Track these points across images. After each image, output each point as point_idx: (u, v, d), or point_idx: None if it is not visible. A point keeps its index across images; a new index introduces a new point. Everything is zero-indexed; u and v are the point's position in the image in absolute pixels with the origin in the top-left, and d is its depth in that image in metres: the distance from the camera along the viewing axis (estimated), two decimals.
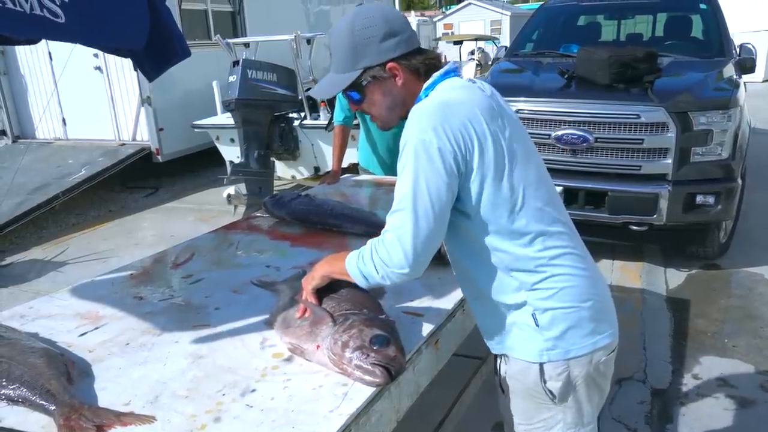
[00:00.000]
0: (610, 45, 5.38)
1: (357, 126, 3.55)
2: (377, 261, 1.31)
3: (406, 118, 1.35)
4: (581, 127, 3.91)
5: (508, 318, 1.40)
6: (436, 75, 1.38)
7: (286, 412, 1.25)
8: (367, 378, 1.29)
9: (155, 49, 1.92)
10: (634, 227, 3.98)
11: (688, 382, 2.94)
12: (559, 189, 2.89)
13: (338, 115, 3.38)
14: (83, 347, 1.58)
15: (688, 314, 3.63)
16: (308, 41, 6.16)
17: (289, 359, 1.47)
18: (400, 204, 1.27)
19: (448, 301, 1.76)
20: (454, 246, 1.44)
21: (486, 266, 1.36)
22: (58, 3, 1.56)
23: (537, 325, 1.35)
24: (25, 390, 1.30)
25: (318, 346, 1.38)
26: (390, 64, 1.36)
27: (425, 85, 1.37)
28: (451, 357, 1.94)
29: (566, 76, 4.18)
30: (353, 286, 1.52)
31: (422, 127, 1.25)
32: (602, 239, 4.31)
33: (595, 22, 5.99)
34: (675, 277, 4.12)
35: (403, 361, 1.33)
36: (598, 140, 3.89)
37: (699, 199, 3.86)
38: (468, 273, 1.44)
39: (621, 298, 3.79)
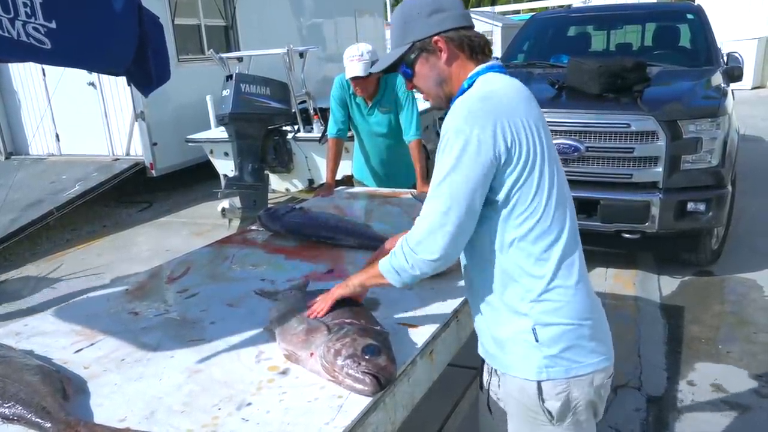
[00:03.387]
0: (599, 55, 5.45)
1: (351, 138, 3.57)
2: (407, 250, 1.34)
3: (450, 100, 1.40)
4: (572, 137, 3.95)
5: (508, 331, 1.38)
6: (481, 66, 1.38)
7: (281, 424, 1.26)
8: (357, 386, 1.30)
9: (145, 69, 1.95)
10: (627, 235, 4.01)
11: (684, 389, 2.96)
12: None
13: (332, 128, 3.41)
14: (79, 364, 1.58)
15: (683, 321, 3.65)
16: (301, 55, 6.20)
17: (284, 372, 1.47)
18: (434, 192, 1.30)
19: (443, 312, 1.77)
20: (471, 255, 1.43)
21: (496, 268, 1.36)
22: (43, 32, 1.60)
23: (537, 341, 1.33)
24: (20, 408, 1.31)
25: (312, 354, 1.40)
26: (435, 38, 1.37)
27: (469, 74, 1.38)
28: (447, 367, 1.96)
29: (556, 86, 4.22)
30: (351, 300, 1.55)
31: (463, 117, 1.27)
32: (595, 247, 4.34)
33: (585, 33, 6.07)
34: (668, 284, 4.15)
35: (394, 370, 1.34)
36: (589, 149, 3.92)
37: (690, 206, 3.90)
38: (476, 276, 1.43)
39: (615, 306, 3.81)
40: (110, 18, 1.82)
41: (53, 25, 1.67)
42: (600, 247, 4.26)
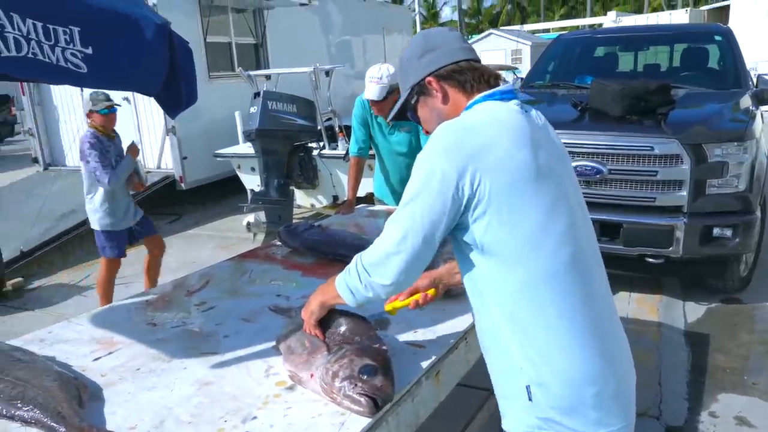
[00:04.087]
0: (625, 77, 5.42)
1: (373, 156, 3.62)
2: (360, 270, 1.29)
3: None
4: (595, 159, 3.93)
5: (504, 382, 1.30)
6: (480, 95, 1.30)
7: None
8: (354, 407, 1.32)
9: (173, 92, 2.04)
10: (651, 260, 3.94)
11: (705, 420, 2.88)
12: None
13: (353, 147, 3.46)
14: (96, 372, 1.64)
15: (707, 349, 3.57)
16: (327, 73, 6.31)
17: (291, 388, 1.51)
18: (396, 216, 1.25)
19: (451, 334, 1.79)
20: (469, 289, 1.34)
21: (490, 312, 1.27)
22: (80, 57, 1.69)
23: (530, 400, 1.23)
24: (38, 412, 1.36)
25: (312, 375, 1.42)
26: (428, 79, 1.33)
27: (467, 104, 1.31)
28: (459, 388, 1.96)
29: (579, 107, 4.21)
30: (353, 316, 1.56)
31: (435, 146, 1.22)
32: (619, 271, 4.28)
33: (612, 53, 6.05)
34: (694, 311, 4.06)
35: (391, 391, 1.36)
36: (612, 172, 3.89)
37: (716, 231, 3.83)
38: (477, 317, 1.35)
39: (637, 332, 3.74)
40: (142, 45, 1.91)
41: (89, 51, 1.77)
42: (623, 270, 4.21)
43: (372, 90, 3.07)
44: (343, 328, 1.53)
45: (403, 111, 1.44)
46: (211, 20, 7.75)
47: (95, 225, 4.08)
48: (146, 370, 1.65)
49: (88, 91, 7.39)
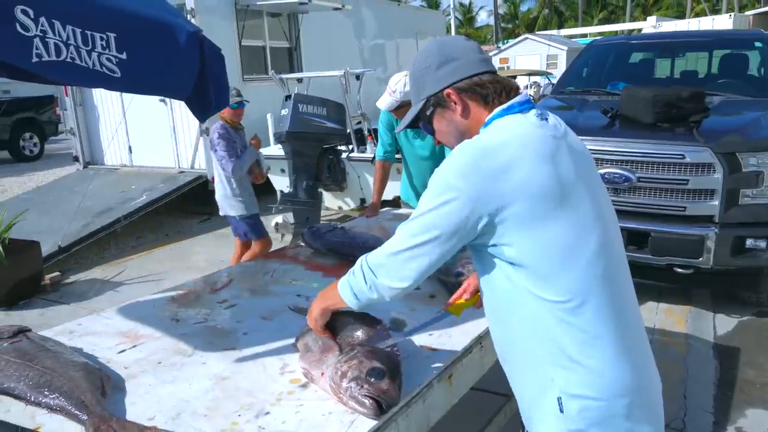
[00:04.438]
0: (658, 84, 5.31)
1: (400, 160, 3.64)
2: (366, 270, 1.30)
3: None
4: (623, 166, 3.87)
5: (532, 394, 1.28)
6: (498, 109, 1.28)
7: None
8: (358, 408, 1.35)
9: (202, 97, 2.10)
10: (679, 270, 3.87)
11: None
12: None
13: (379, 151, 3.50)
14: (120, 364, 1.71)
15: (737, 363, 3.48)
16: (357, 77, 6.37)
17: (304, 386, 1.54)
18: (410, 225, 1.24)
19: (466, 337, 1.80)
20: (489, 300, 1.32)
21: (521, 327, 1.25)
22: (114, 62, 1.77)
23: (561, 412, 1.21)
24: (63, 400, 1.43)
25: (323, 374, 1.45)
26: (447, 91, 1.31)
27: (486, 118, 1.29)
28: (475, 392, 1.97)
29: (609, 114, 4.16)
30: (367, 318, 1.59)
31: (452, 166, 1.20)
32: (647, 281, 4.21)
33: (648, 60, 5.94)
34: (724, 324, 3.97)
35: (396, 395, 1.37)
36: (641, 180, 3.83)
37: (749, 243, 3.73)
38: (497, 327, 1.34)
39: (663, 343, 3.68)
40: (174, 51, 1.98)
41: (124, 56, 1.85)
42: (652, 280, 4.13)
43: (383, 100, 3.14)
44: (356, 330, 1.56)
45: (415, 122, 1.42)
46: (247, 24, 7.91)
47: (236, 212, 4.38)
48: (167, 363, 1.70)
49: None
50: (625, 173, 3.85)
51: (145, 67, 1.90)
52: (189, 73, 2.02)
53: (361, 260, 1.34)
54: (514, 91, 1.32)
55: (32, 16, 1.67)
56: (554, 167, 1.19)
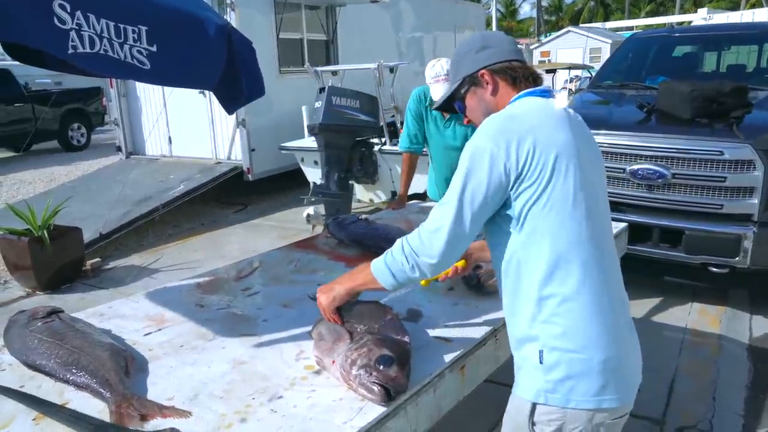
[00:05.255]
0: (701, 78, 5.16)
1: (426, 153, 3.64)
2: (408, 251, 1.39)
3: None
4: (658, 162, 3.78)
5: (522, 351, 1.39)
6: (523, 91, 1.45)
7: (304, 419, 1.36)
8: (367, 395, 1.37)
9: (230, 89, 2.16)
10: (714, 269, 3.76)
11: None
12: (621, 224, 2.84)
13: (404, 141, 3.48)
14: (145, 346, 1.78)
15: None
16: (391, 70, 6.37)
17: (318, 372, 1.58)
18: (447, 198, 1.36)
19: (480, 329, 1.81)
20: (496, 256, 1.44)
21: (514, 285, 1.38)
22: (145, 54, 1.84)
23: (541, 362, 1.32)
24: (88, 378, 1.51)
25: (333, 362, 1.48)
26: (482, 71, 1.47)
27: (511, 99, 1.45)
28: (491, 385, 1.98)
29: (645, 109, 4.06)
30: (377, 306, 1.61)
31: (483, 133, 1.34)
32: (681, 280, 4.11)
33: (691, 53, 5.77)
34: (761, 325, 3.84)
35: (404, 382, 1.40)
36: (676, 176, 3.74)
37: None
38: (504, 294, 1.45)
39: (695, 343, 3.59)
40: (202, 44, 2.04)
41: (154, 48, 1.91)
42: (685, 279, 4.04)
43: (438, 90, 3.09)
44: (367, 319, 1.58)
45: (450, 99, 1.58)
46: (285, 17, 8.00)
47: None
48: (189, 347, 1.77)
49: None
50: (660, 169, 3.76)
51: (173, 59, 1.97)
52: (216, 66, 2.08)
53: (401, 241, 1.43)
54: (540, 79, 1.50)
55: (69, 10, 1.75)
56: (572, 134, 1.35)
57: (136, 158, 8.65)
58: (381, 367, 1.38)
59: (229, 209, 7.55)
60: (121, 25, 1.85)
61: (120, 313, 2.06)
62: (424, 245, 1.36)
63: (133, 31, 1.88)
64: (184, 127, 8.18)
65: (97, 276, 5.23)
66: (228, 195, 7.86)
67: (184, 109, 7.89)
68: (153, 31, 1.90)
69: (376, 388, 1.36)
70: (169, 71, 1.99)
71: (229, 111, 2.43)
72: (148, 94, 8.41)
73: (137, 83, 8.46)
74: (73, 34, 1.69)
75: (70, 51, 1.69)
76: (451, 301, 2.04)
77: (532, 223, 1.31)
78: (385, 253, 1.46)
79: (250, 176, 7.46)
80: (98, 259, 5.48)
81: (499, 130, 1.32)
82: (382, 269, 1.45)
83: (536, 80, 1.47)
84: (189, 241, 6.27)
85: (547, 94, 1.45)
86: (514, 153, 1.29)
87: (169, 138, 8.41)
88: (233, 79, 2.20)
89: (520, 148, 1.29)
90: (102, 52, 1.83)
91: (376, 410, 1.38)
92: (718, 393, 3.09)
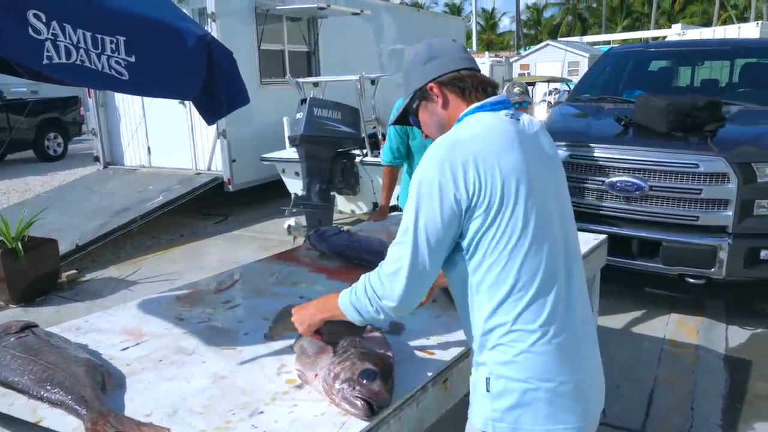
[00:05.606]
0: (676, 92, 5.27)
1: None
2: (371, 293, 1.33)
3: None
4: (635, 175, 3.84)
5: (474, 375, 1.38)
6: (472, 106, 1.38)
7: None
8: (350, 410, 1.36)
9: (210, 99, 2.14)
10: (691, 280, 3.82)
11: None
12: (601, 236, 2.87)
13: (386, 155, 3.49)
14: (122, 361, 1.74)
15: (748, 376, 3.42)
16: (372, 81, 6.40)
17: (300, 386, 1.56)
18: (402, 237, 1.29)
19: (462, 342, 1.80)
20: (449, 280, 1.41)
21: (468, 311, 1.35)
22: (123, 65, 1.82)
23: (487, 391, 1.30)
24: (63, 395, 1.47)
25: (316, 375, 1.47)
26: (430, 84, 1.41)
27: (461, 113, 1.38)
28: None
29: (623, 122, 4.13)
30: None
31: (428, 162, 1.28)
32: (659, 291, 4.16)
33: (666, 68, 5.89)
34: (737, 335, 3.90)
35: (387, 396, 1.39)
36: (653, 188, 3.80)
37: (764, 254, 3.67)
38: (460, 314, 1.42)
39: (673, 353, 3.63)
40: (182, 54, 2.02)
41: (132, 59, 1.89)
42: (663, 290, 4.09)
43: None
44: (349, 332, 1.57)
45: (405, 115, 1.53)
46: (266, 28, 8.00)
47: None
48: (168, 361, 1.74)
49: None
50: (637, 182, 3.82)
51: (152, 69, 1.95)
52: (196, 76, 2.06)
53: (364, 279, 1.37)
54: (492, 87, 1.42)
55: (44, 20, 1.72)
56: (522, 156, 1.29)
57: (114, 168, 8.53)
58: (364, 381, 1.37)
59: (209, 220, 7.48)
60: (99, 36, 1.83)
61: (97, 327, 2.01)
62: (385, 288, 1.31)
63: (111, 42, 1.86)
64: (164, 137, 8.10)
65: (73, 288, 5.13)
66: (208, 206, 7.79)
67: (163, 119, 7.82)
68: (131, 42, 1.88)
69: (359, 402, 1.34)
70: (147, 82, 1.97)
71: (209, 122, 2.41)
72: (126, 103, 8.32)
73: (116, 93, 8.38)
74: (48, 44, 1.67)
75: (45, 61, 1.67)
76: (434, 314, 2.04)
77: (482, 251, 1.27)
78: (350, 288, 1.40)
79: (230, 187, 7.40)
80: (74, 271, 5.38)
81: (444, 158, 1.26)
82: (348, 307, 1.40)
83: (486, 89, 1.40)
84: (168, 253, 6.19)
85: (499, 106, 1.38)
86: (462, 182, 1.24)
87: (148, 148, 8.32)
88: (213, 89, 2.19)
89: (467, 176, 1.24)
90: (78, 62, 1.81)
91: (359, 425, 1.37)
92: (696, 403, 3.12)
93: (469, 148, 1.26)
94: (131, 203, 6.76)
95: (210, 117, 2.30)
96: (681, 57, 5.84)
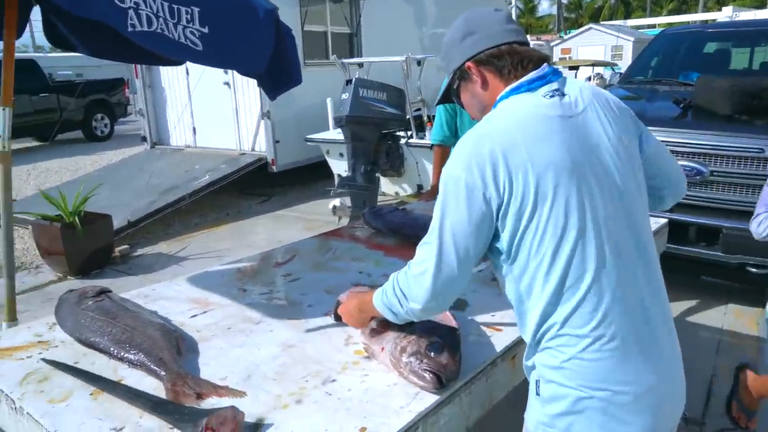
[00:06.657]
0: (735, 74, 5.07)
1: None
2: (399, 294, 1.29)
3: None
4: (695, 159, 3.72)
5: (529, 376, 1.31)
6: (507, 88, 1.25)
7: (360, 402, 1.35)
8: (419, 382, 1.35)
9: (275, 74, 2.16)
10: (753, 269, 3.69)
11: None
12: (661, 221, 2.79)
13: (436, 133, 3.42)
14: (192, 327, 1.78)
15: None
16: (418, 63, 6.34)
17: (369, 357, 1.57)
18: (428, 237, 1.22)
19: None
20: (500, 282, 1.32)
21: (518, 310, 1.26)
22: (197, 35, 1.84)
23: (537, 394, 1.23)
24: (143, 356, 1.51)
25: (383, 348, 1.47)
26: (467, 64, 1.30)
27: (498, 96, 1.26)
28: None
29: (682, 105, 4.00)
30: None
31: (454, 159, 1.19)
32: (717, 280, 4.04)
33: (723, 50, 5.66)
34: None
35: (455, 369, 1.38)
36: (714, 173, 3.67)
37: None
38: (518, 325, 1.33)
39: (733, 344, 3.52)
40: (252, 27, 2.04)
41: (206, 30, 1.92)
42: (722, 279, 3.97)
43: None
44: None
45: (448, 96, 1.43)
46: (309, 10, 8.00)
47: None
48: (236, 329, 1.77)
49: (192, 73, 7.88)
50: (697, 166, 3.70)
51: (224, 41, 1.97)
52: (264, 50, 2.08)
53: (393, 278, 1.32)
54: (534, 62, 1.26)
55: None
56: (561, 143, 1.15)
57: (161, 148, 8.71)
58: (432, 354, 1.36)
59: (254, 200, 7.58)
60: (175, 6, 1.85)
61: (164, 295, 2.06)
62: (411, 289, 1.25)
63: (186, 12, 1.89)
64: (209, 118, 8.23)
65: (126, 263, 5.28)
66: (252, 186, 7.89)
67: (208, 99, 7.94)
68: (205, 13, 1.90)
69: (427, 375, 1.33)
70: (220, 53, 1.99)
71: (272, 97, 2.43)
72: (173, 84, 8.46)
73: (162, 74, 8.54)
74: (131, 12, 1.70)
75: (129, 29, 1.70)
76: (495, 291, 2.02)
77: (524, 255, 1.16)
78: (381, 289, 1.36)
79: (274, 167, 7.48)
80: (126, 246, 5.54)
81: (470, 154, 1.15)
82: (382, 308, 1.36)
83: (527, 66, 1.24)
84: (215, 231, 6.31)
85: (538, 83, 1.22)
86: (491, 180, 1.13)
87: (194, 128, 8.47)
88: (278, 64, 2.21)
89: (496, 173, 1.13)
90: (159, 30, 1.84)
91: (432, 397, 1.37)
92: None
93: (498, 142, 1.15)
94: (179, 182, 6.90)
95: (273, 92, 2.32)
96: (738, 38, 5.61)
